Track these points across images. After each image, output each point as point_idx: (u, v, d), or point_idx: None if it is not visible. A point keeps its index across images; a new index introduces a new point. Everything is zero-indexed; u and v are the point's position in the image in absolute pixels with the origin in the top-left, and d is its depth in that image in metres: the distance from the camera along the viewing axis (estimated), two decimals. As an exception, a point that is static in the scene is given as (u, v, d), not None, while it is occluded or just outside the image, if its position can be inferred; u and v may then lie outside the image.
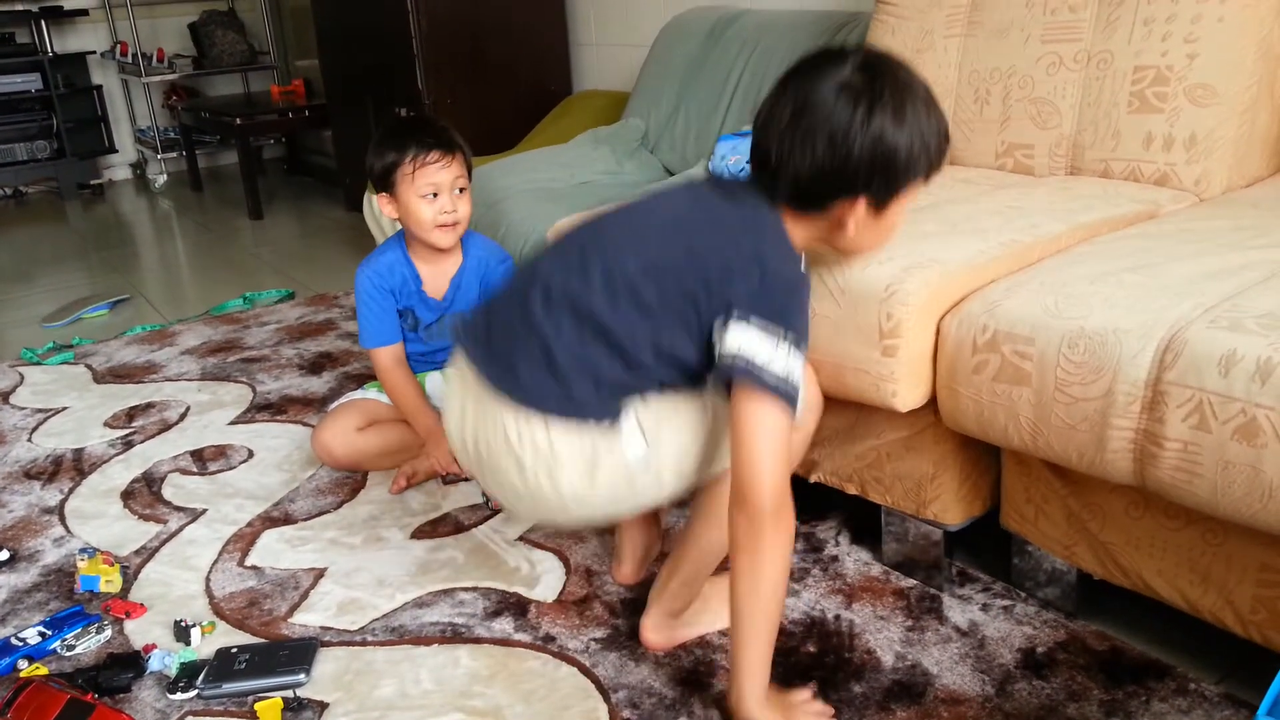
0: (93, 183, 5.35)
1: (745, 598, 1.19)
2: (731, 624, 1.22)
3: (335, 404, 2.10)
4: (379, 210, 2.04)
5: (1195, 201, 1.67)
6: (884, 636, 1.44)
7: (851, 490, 1.62)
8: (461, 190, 1.96)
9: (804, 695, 1.31)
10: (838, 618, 1.49)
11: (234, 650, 1.47)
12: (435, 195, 1.92)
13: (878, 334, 1.37)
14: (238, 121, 4.49)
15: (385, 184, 1.95)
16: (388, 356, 2.04)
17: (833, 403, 1.47)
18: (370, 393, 2.09)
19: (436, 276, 2.06)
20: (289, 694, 1.40)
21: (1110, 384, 1.19)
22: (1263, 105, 1.71)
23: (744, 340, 1.14)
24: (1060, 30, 1.83)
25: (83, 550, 1.75)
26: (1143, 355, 1.18)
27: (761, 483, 1.14)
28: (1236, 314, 1.17)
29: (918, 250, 1.42)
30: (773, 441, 1.15)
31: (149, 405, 2.44)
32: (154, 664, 1.47)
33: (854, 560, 1.62)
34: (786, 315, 1.16)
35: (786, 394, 1.14)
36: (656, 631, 1.43)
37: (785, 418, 1.15)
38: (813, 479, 1.68)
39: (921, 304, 1.36)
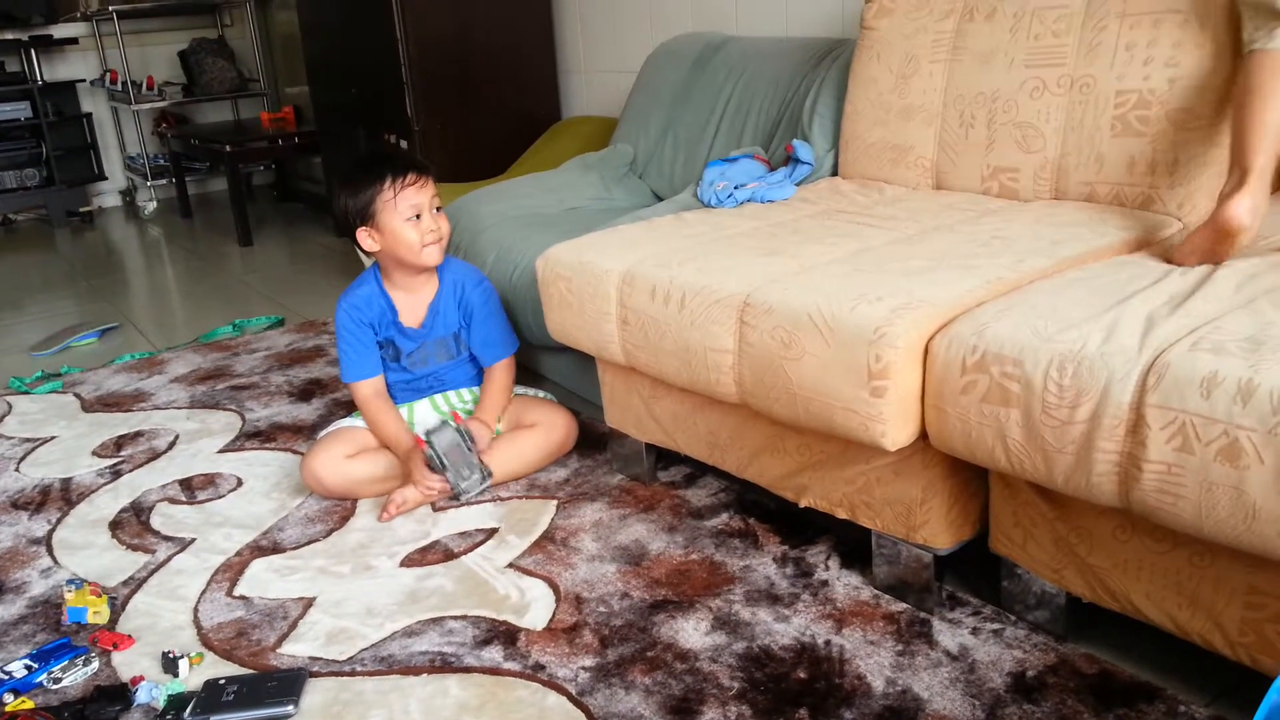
0: (82, 210, 5.35)
1: None
2: None
3: (324, 432, 2.10)
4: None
5: (1180, 227, 1.68)
6: (874, 661, 1.44)
7: (841, 514, 1.62)
8: (439, 209, 2.01)
9: None
10: (828, 643, 1.48)
11: (222, 681, 1.46)
12: (418, 216, 1.96)
13: (866, 375, 1.37)
14: (227, 148, 4.49)
15: (365, 216, 1.96)
16: (367, 388, 2.05)
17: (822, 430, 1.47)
18: (359, 420, 2.09)
19: (414, 306, 2.07)
20: (277, 725, 1.39)
21: (1095, 407, 1.20)
22: (1244, 129, 1.72)
23: None
24: (1044, 55, 1.85)
25: (70, 581, 1.74)
26: (1128, 379, 1.18)
27: None
28: (1219, 337, 1.18)
29: (906, 289, 1.43)
30: None
31: (137, 434, 2.43)
32: (141, 696, 1.46)
33: (844, 584, 1.62)
34: None
35: None
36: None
37: None
38: (803, 504, 1.68)
39: (910, 346, 1.36)
